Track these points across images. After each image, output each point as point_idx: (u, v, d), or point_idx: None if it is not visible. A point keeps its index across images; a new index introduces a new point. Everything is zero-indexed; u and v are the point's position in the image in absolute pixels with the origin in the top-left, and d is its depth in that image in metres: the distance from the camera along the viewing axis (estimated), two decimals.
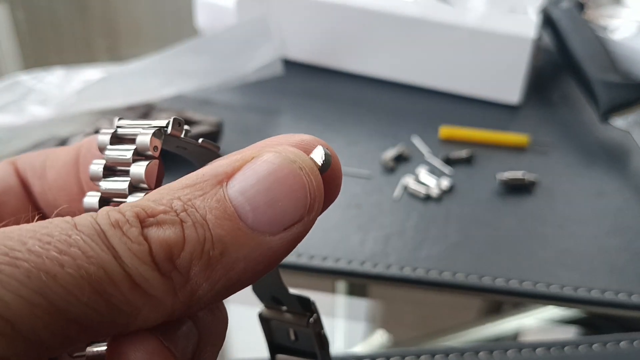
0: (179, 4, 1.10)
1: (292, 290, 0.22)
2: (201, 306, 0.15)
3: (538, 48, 0.60)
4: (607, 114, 0.51)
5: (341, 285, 0.44)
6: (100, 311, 0.13)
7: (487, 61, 0.56)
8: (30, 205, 0.20)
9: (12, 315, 0.12)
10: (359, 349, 0.40)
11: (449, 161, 0.48)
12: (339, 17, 0.58)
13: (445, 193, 0.45)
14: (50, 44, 1.12)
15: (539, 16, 0.57)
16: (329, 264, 0.38)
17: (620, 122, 0.52)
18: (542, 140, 0.52)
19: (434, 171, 0.47)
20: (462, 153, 0.49)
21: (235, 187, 0.15)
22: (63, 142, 0.45)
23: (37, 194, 0.20)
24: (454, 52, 0.56)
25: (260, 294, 0.23)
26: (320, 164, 0.16)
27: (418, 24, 0.56)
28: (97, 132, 0.46)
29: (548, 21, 0.61)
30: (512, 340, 0.43)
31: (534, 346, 0.34)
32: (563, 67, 0.61)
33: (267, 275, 0.21)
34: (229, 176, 0.15)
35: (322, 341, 0.23)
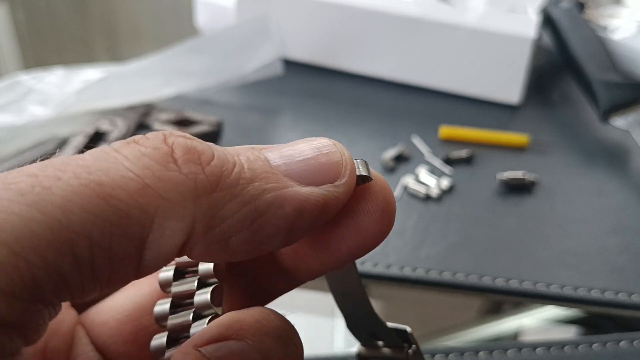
0: (179, 4, 1.10)
1: (390, 324, 0.21)
2: (224, 232, 0.13)
3: (538, 48, 0.60)
4: (607, 113, 0.51)
5: None
6: (106, 218, 0.12)
7: (487, 61, 0.56)
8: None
9: (5, 236, 0.11)
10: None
11: (449, 161, 0.48)
12: (339, 17, 0.58)
13: (445, 193, 0.45)
14: (50, 44, 1.12)
15: (539, 16, 0.57)
16: None
17: (620, 121, 0.52)
18: (542, 140, 0.52)
19: (434, 171, 0.47)
20: (462, 153, 0.49)
21: (270, 151, 0.15)
22: (63, 142, 0.45)
23: None
24: (454, 52, 0.56)
25: (355, 332, 0.22)
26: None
27: (418, 24, 0.56)
28: (97, 132, 0.45)
29: (548, 21, 0.61)
30: (512, 340, 0.43)
31: (534, 346, 0.34)
32: (563, 67, 0.61)
33: (360, 309, 0.21)
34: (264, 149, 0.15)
35: None
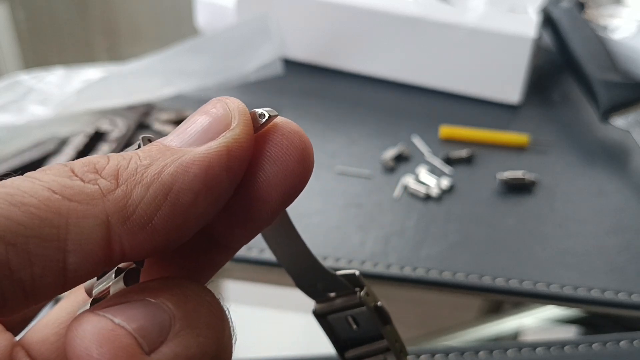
0: (179, 3, 1.10)
1: (338, 272, 0.21)
2: (142, 216, 0.14)
3: (538, 48, 0.60)
4: (607, 113, 0.51)
5: None
6: (19, 221, 0.13)
7: (487, 61, 0.56)
8: None
9: None
10: None
11: (449, 161, 0.48)
12: (339, 17, 0.58)
13: (445, 193, 0.45)
14: (50, 44, 1.12)
15: (539, 16, 0.57)
16: (329, 263, 0.38)
17: (620, 121, 0.52)
18: (542, 140, 0.52)
19: (434, 171, 0.47)
20: (462, 153, 0.49)
21: (166, 137, 0.16)
22: (63, 142, 0.45)
23: None
24: (454, 52, 0.56)
25: (307, 289, 0.21)
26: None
27: (418, 23, 0.56)
28: (97, 132, 0.45)
29: (548, 21, 0.61)
30: (512, 340, 0.43)
31: (534, 346, 0.34)
32: (563, 66, 0.61)
33: (304, 262, 0.20)
34: None
35: (382, 314, 0.22)
